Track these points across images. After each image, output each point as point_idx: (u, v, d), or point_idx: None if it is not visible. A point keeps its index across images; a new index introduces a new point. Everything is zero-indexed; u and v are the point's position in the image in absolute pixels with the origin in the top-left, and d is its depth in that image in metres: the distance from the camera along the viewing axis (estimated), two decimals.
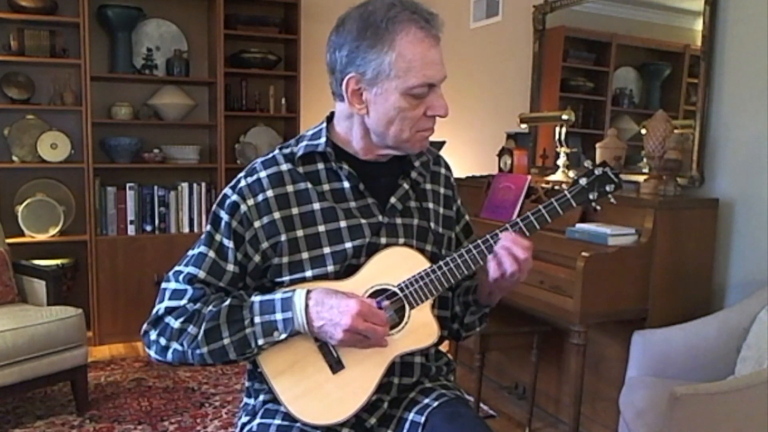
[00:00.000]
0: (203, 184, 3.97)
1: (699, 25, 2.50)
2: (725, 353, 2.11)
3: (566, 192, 1.26)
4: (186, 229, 3.95)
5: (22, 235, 3.56)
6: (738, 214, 2.41)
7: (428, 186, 1.36)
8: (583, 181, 1.27)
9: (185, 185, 3.93)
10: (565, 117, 2.89)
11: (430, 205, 1.34)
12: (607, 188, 1.28)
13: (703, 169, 2.51)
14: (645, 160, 2.66)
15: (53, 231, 3.61)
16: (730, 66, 2.43)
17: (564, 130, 2.92)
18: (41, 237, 3.58)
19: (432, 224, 1.33)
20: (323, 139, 1.26)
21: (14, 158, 3.62)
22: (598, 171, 1.28)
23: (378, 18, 1.15)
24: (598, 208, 1.30)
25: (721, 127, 2.46)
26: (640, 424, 1.94)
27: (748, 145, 2.37)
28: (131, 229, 3.81)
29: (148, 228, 3.87)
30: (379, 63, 1.15)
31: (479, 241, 1.23)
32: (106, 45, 3.85)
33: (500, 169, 3.29)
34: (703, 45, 2.48)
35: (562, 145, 2.93)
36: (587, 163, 1.28)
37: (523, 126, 3.21)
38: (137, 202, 3.82)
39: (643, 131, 2.53)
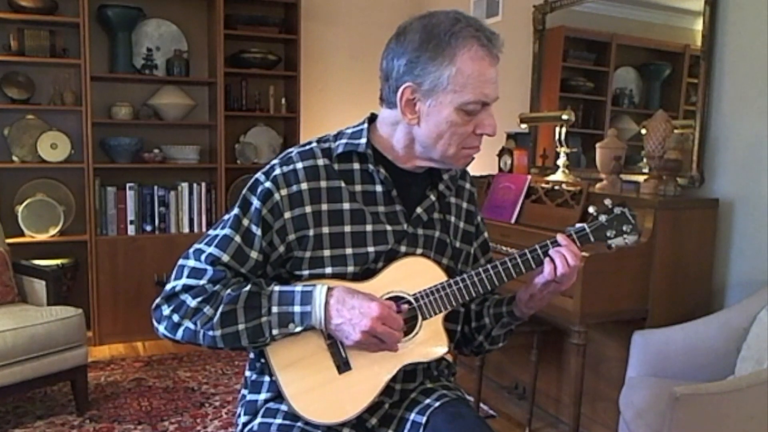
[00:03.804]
0: (203, 184, 3.97)
1: (699, 25, 2.50)
2: (725, 353, 2.11)
3: (585, 226, 1.28)
4: (186, 229, 3.95)
5: (22, 235, 3.56)
6: (738, 214, 2.41)
7: (453, 200, 1.36)
8: (603, 218, 1.28)
9: (185, 185, 3.93)
10: (565, 117, 2.89)
11: (452, 219, 1.35)
12: (624, 228, 1.29)
13: (703, 169, 2.51)
14: (645, 160, 2.66)
15: (53, 231, 3.61)
16: (730, 66, 2.43)
17: (564, 130, 2.92)
18: (41, 237, 3.58)
19: (451, 238, 1.33)
20: (364, 140, 1.25)
21: (14, 158, 3.62)
22: (617, 210, 1.29)
23: (441, 31, 1.15)
24: (614, 246, 1.31)
25: (721, 127, 2.46)
26: (640, 424, 1.94)
27: (748, 145, 2.37)
28: (131, 229, 3.81)
29: (148, 228, 3.87)
30: (438, 76, 1.15)
31: (497, 263, 1.24)
32: (106, 45, 3.85)
33: (500, 169, 3.29)
34: (703, 45, 2.48)
35: (562, 145, 2.93)
36: (607, 201, 1.30)
37: (523, 126, 3.21)
38: (137, 202, 3.82)
39: (643, 131, 2.53)
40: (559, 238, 1.23)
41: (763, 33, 2.30)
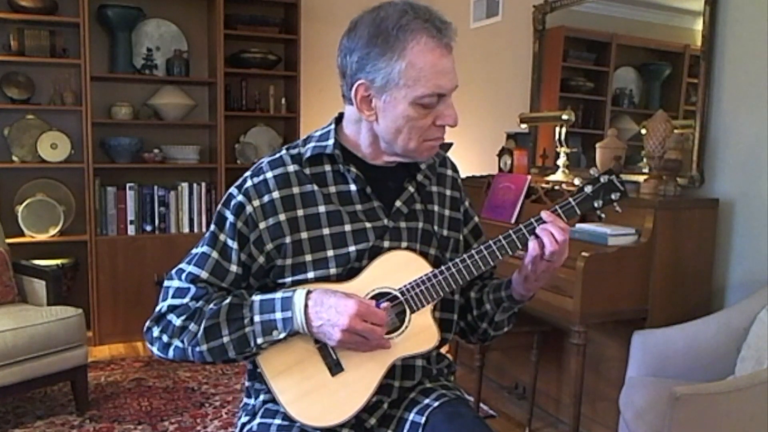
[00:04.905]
0: (203, 184, 3.97)
1: (699, 25, 2.50)
2: (725, 353, 2.11)
3: (570, 199, 1.25)
4: (186, 229, 3.95)
5: (22, 235, 3.56)
6: (738, 214, 2.41)
7: (434, 188, 1.35)
8: (588, 189, 1.25)
9: (185, 185, 3.93)
10: (565, 117, 2.89)
11: (435, 208, 1.33)
12: (613, 196, 1.25)
13: (703, 169, 2.51)
14: (645, 160, 2.66)
15: (53, 231, 3.61)
16: (730, 66, 2.43)
17: (564, 130, 2.92)
18: (41, 237, 3.58)
19: (436, 227, 1.32)
20: (331, 141, 1.25)
21: (14, 158, 3.62)
22: (603, 179, 1.25)
23: (389, 25, 1.13)
24: (603, 216, 1.28)
25: (721, 127, 2.46)
26: (640, 424, 1.94)
27: (748, 145, 2.37)
28: (131, 229, 3.81)
29: (148, 228, 3.87)
30: (389, 71, 1.14)
31: (482, 247, 1.23)
32: (106, 45, 3.85)
33: (500, 169, 3.29)
34: (703, 45, 2.48)
35: (562, 145, 2.93)
36: (593, 171, 1.26)
37: (523, 126, 3.21)
38: (137, 202, 3.82)
39: (643, 131, 2.53)
40: (544, 214, 1.20)
41: (763, 33, 2.30)
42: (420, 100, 1.15)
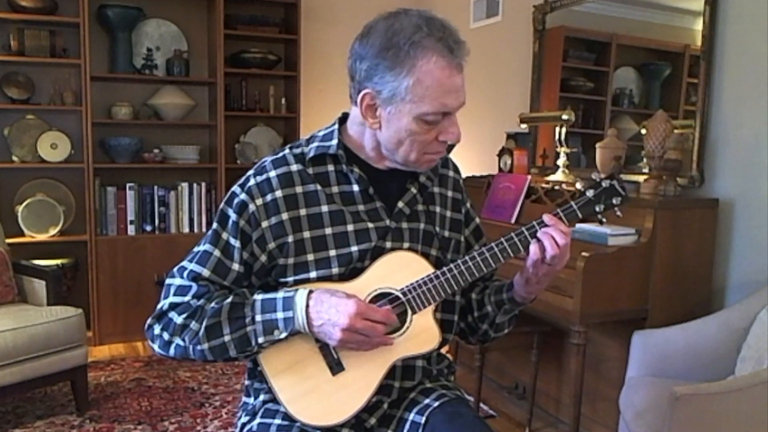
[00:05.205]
0: (203, 184, 3.97)
1: (699, 25, 2.50)
2: (725, 353, 2.11)
3: (572, 203, 1.26)
4: (186, 229, 3.95)
5: (22, 235, 3.56)
6: (738, 214, 2.41)
7: (436, 189, 1.35)
8: (590, 193, 1.26)
9: (185, 185, 3.93)
10: (565, 117, 2.89)
11: (437, 209, 1.34)
12: (614, 201, 1.26)
13: (703, 169, 2.51)
14: (645, 160, 2.66)
15: (53, 231, 3.61)
16: (730, 66, 2.43)
17: (564, 130, 2.92)
18: (41, 237, 3.58)
19: (437, 228, 1.32)
20: (335, 141, 1.25)
21: (14, 158, 3.62)
22: (605, 183, 1.26)
23: (401, 40, 1.13)
24: (604, 220, 1.29)
25: (721, 127, 2.46)
26: (640, 424, 1.94)
27: (748, 145, 2.37)
28: (131, 229, 3.81)
29: (148, 228, 3.87)
30: (396, 86, 1.14)
31: (484, 249, 1.23)
32: (106, 45, 3.85)
33: (500, 169, 3.29)
34: (703, 45, 2.48)
35: (562, 145, 2.93)
36: (595, 175, 1.27)
37: (523, 126, 3.21)
38: (137, 202, 3.82)
39: (643, 131, 2.53)
40: (546, 218, 1.21)
41: (763, 33, 2.30)
42: (424, 116, 1.15)
